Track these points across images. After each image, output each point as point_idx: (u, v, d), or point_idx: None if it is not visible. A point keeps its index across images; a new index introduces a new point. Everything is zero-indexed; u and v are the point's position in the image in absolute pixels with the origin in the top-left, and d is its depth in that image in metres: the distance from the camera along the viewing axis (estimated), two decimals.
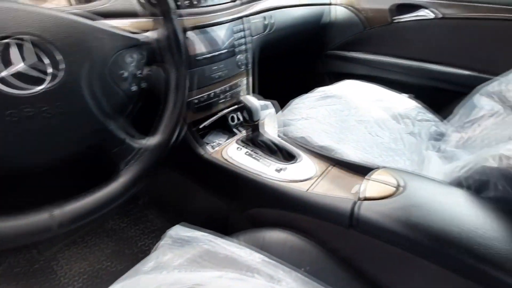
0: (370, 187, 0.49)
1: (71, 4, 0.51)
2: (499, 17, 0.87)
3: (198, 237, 0.53)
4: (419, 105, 0.99)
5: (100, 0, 0.48)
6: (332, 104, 0.96)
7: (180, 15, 0.55)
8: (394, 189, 0.47)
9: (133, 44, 0.36)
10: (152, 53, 0.38)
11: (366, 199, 0.47)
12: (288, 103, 0.94)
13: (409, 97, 1.01)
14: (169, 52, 0.38)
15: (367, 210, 0.45)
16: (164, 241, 0.53)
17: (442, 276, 0.39)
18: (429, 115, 0.97)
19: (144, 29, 0.43)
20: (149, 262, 0.50)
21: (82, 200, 0.35)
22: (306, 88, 1.03)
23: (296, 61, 1.34)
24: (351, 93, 1.01)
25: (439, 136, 0.94)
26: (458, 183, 0.52)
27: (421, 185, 0.47)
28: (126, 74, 0.35)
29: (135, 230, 0.94)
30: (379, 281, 0.45)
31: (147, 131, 0.40)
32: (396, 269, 0.44)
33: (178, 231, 0.54)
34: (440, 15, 0.94)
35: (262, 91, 1.43)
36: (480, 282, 0.36)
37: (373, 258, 0.47)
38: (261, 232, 0.54)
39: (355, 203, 0.47)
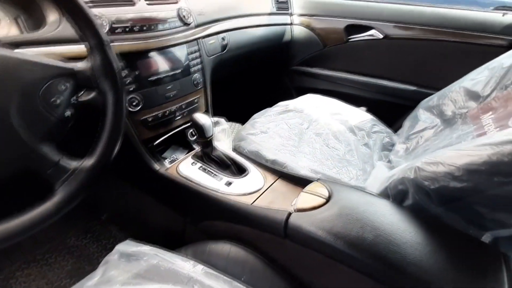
0: (304, 198, 0.53)
1: (22, 32, 0.53)
2: (435, 38, 0.97)
3: (145, 251, 0.55)
4: (374, 118, 1.06)
5: (49, 27, 0.51)
6: (292, 118, 1.01)
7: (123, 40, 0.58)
8: (325, 200, 0.51)
9: (67, 73, 0.38)
10: (87, 80, 0.40)
11: (299, 210, 0.51)
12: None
13: (365, 111, 1.08)
14: (104, 79, 0.41)
15: (298, 221, 0.49)
16: (111, 256, 0.55)
17: (360, 280, 0.43)
18: (382, 127, 1.04)
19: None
20: (94, 277, 0.52)
21: (14, 220, 0.36)
22: (274, 102, 1.08)
23: (263, 77, 1.40)
24: (311, 107, 1.07)
25: (391, 147, 1.00)
26: (386, 193, 0.57)
27: (347, 196, 0.52)
28: (58, 101, 0.37)
29: (97, 245, 0.94)
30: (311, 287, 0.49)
31: (84, 152, 0.42)
32: (324, 276, 0.48)
33: (126, 246, 0.56)
34: (381, 36, 1.04)
35: (229, 107, 1.48)
36: (388, 284, 0.40)
37: (305, 266, 0.50)
38: (207, 244, 0.56)
39: (289, 214, 0.51)
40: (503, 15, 0.92)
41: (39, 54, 0.44)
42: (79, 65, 0.40)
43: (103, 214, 0.99)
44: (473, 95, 0.72)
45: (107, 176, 0.50)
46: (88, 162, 0.41)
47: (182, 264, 0.52)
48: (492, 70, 0.69)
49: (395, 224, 0.46)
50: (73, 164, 0.40)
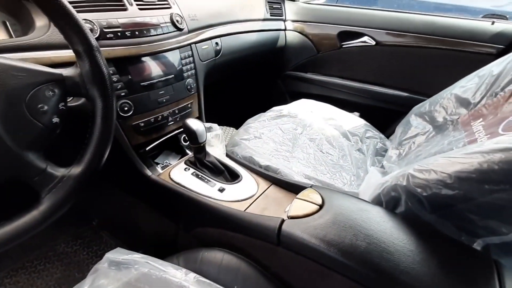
0: (297, 205, 0.52)
1: (10, 37, 0.52)
2: (426, 45, 0.99)
3: (136, 259, 0.54)
4: (367, 123, 1.07)
5: (37, 32, 0.50)
6: (286, 122, 1.02)
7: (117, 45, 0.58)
8: (318, 207, 0.51)
9: (54, 79, 0.37)
10: (76, 86, 0.40)
11: (292, 217, 0.51)
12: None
13: (358, 116, 1.09)
14: (93, 85, 0.40)
15: (292, 228, 0.48)
16: (101, 265, 0.53)
17: None
18: (376, 133, 1.05)
19: None
20: (83, 286, 0.50)
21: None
22: (268, 106, 1.08)
23: (257, 81, 1.41)
24: (305, 112, 1.07)
25: (384, 152, 1.01)
26: (379, 200, 0.57)
27: (341, 203, 0.51)
28: (46, 107, 0.36)
29: (87, 252, 0.92)
30: None
31: (73, 159, 0.41)
32: (317, 284, 0.48)
33: (116, 254, 0.55)
34: (373, 43, 1.05)
35: (224, 111, 1.48)
36: None
37: (299, 274, 0.50)
38: (199, 252, 0.56)
39: (282, 221, 0.50)
40: (492, 23, 0.94)
41: (26, 59, 0.43)
42: (68, 71, 0.40)
43: (94, 219, 0.97)
44: (464, 102, 0.73)
45: (99, 182, 0.49)
46: (76, 169, 0.40)
47: (174, 272, 0.51)
48: (482, 77, 0.70)
49: (388, 232, 0.46)
50: (60, 171, 0.39)
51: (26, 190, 0.39)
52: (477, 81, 0.72)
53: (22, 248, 0.94)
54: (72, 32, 0.38)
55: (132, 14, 0.61)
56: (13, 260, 0.92)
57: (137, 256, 0.54)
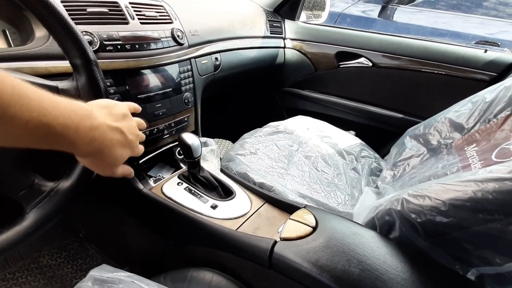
0: (290, 227, 0.51)
1: (10, 45, 0.52)
2: (421, 68, 1.01)
3: (121, 278, 0.52)
4: (362, 142, 1.07)
5: (36, 42, 0.50)
6: (282, 139, 1.01)
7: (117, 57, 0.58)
8: (311, 229, 0.50)
9: (49, 91, 0.37)
10: None
11: (284, 239, 0.49)
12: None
13: (354, 135, 1.10)
14: (89, 99, 0.40)
15: (284, 251, 0.47)
16: (84, 283, 0.51)
17: None
18: (371, 152, 1.05)
19: None
20: None
21: None
22: (265, 121, 1.08)
23: (255, 96, 1.42)
24: (302, 128, 1.08)
25: (379, 172, 1.01)
26: (373, 223, 0.56)
27: (334, 226, 0.51)
28: None
29: (72, 266, 0.89)
30: None
31: (63, 173, 0.40)
32: None
33: (101, 271, 0.52)
34: (370, 64, 1.08)
35: (221, 125, 1.48)
36: None
37: None
38: (188, 272, 0.54)
39: (275, 243, 0.49)
40: (485, 51, 0.97)
41: (23, 68, 0.43)
42: (63, 84, 0.39)
43: (81, 231, 0.94)
44: (458, 127, 0.74)
45: (88, 194, 0.48)
46: (65, 183, 0.39)
47: None
48: (475, 103, 0.72)
49: (381, 259, 0.45)
50: (49, 185, 0.38)
51: (11, 204, 0.38)
52: (471, 107, 0.73)
53: (5, 258, 0.90)
54: (70, 45, 0.37)
55: (134, 28, 0.62)
56: None
57: (122, 274, 0.52)
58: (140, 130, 0.48)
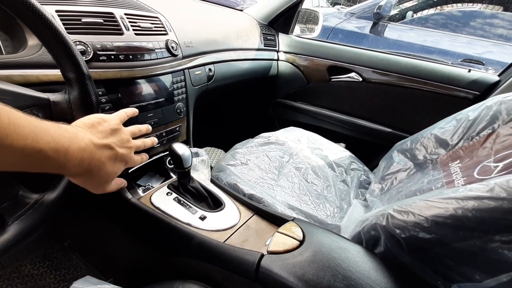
0: (277, 240, 0.52)
1: (1, 53, 0.52)
2: (409, 85, 1.05)
3: None
4: (352, 155, 1.09)
5: (28, 50, 0.50)
6: (274, 150, 1.02)
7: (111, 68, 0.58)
8: (298, 243, 0.51)
9: (40, 104, 0.37)
10: (62, 112, 0.39)
11: (271, 252, 0.50)
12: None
13: (344, 147, 1.12)
14: (80, 113, 0.40)
15: (270, 265, 0.47)
16: None
17: None
18: (360, 165, 1.07)
19: None
20: None
21: None
22: (257, 131, 1.09)
23: (248, 107, 1.43)
24: (293, 140, 1.09)
25: (368, 185, 1.02)
26: (359, 237, 0.57)
27: (321, 240, 0.51)
28: None
29: (55, 276, 0.86)
30: None
31: (47, 185, 0.40)
32: None
33: (84, 283, 0.51)
34: (360, 79, 1.11)
35: (213, 134, 1.49)
36: None
37: None
38: (174, 285, 0.53)
39: (262, 256, 0.49)
40: (468, 71, 1.01)
41: (13, 76, 0.42)
42: (55, 96, 0.39)
43: (66, 239, 0.92)
44: (443, 143, 0.76)
45: (74, 204, 0.47)
46: (51, 195, 0.39)
47: None
48: (459, 121, 0.74)
49: (366, 274, 0.46)
50: (33, 197, 0.38)
51: None
52: (455, 124, 0.75)
53: None
54: (64, 59, 0.38)
55: (128, 38, 0.62)
56: None
57: (107, 287, 0.51)
58: (137, 137, 0.48)
